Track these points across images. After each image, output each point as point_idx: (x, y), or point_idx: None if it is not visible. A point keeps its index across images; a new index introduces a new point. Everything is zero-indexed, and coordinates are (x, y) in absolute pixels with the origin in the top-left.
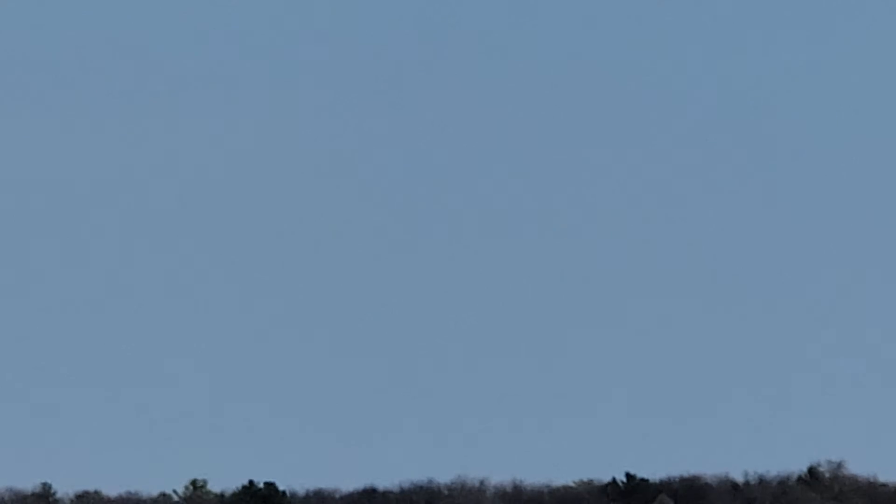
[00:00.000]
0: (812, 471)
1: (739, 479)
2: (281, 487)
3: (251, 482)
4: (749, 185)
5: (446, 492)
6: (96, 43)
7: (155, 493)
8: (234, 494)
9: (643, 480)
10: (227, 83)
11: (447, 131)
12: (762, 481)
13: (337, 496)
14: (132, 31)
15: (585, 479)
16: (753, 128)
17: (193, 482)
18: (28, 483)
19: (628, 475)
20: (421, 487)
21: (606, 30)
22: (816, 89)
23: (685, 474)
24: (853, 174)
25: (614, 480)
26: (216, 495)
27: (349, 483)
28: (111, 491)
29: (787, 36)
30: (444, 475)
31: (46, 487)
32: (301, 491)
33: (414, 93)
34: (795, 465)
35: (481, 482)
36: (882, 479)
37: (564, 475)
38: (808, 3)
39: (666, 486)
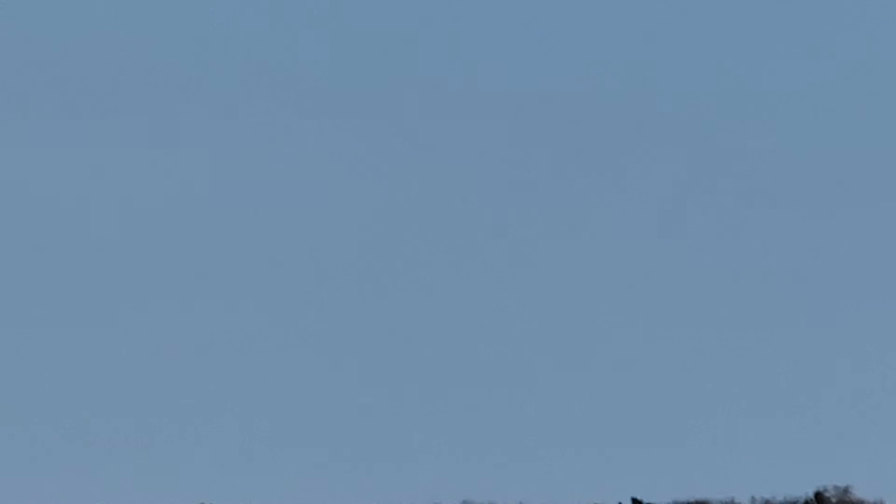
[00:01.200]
0: (818, 495)
1: (746, 503)
2: None
3: None
4: (769, 214)
5: None
6: (95, 42)
7: None
8: None
9: None
10: (226, 83)
11: (447, 133)
12: None
13: None
14: (131, 30)
15: None
16: (756, 131)
17: None
18: None
19: (634, 500)
20: None
21: (607, 30)
22: (819, 91)
23: (691, 499)
24: (874, 183)
25: None
26: None
27: None
28: None
29: (788, 38)
30: (450, 498)
31: None
32: None
33: (412, 94)
34: (801, 490)
35: None
36: (889, 503)
37: (570, 499)
38: (810, 5)
39: None
